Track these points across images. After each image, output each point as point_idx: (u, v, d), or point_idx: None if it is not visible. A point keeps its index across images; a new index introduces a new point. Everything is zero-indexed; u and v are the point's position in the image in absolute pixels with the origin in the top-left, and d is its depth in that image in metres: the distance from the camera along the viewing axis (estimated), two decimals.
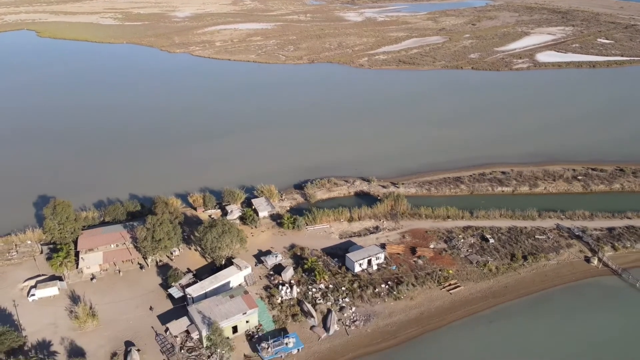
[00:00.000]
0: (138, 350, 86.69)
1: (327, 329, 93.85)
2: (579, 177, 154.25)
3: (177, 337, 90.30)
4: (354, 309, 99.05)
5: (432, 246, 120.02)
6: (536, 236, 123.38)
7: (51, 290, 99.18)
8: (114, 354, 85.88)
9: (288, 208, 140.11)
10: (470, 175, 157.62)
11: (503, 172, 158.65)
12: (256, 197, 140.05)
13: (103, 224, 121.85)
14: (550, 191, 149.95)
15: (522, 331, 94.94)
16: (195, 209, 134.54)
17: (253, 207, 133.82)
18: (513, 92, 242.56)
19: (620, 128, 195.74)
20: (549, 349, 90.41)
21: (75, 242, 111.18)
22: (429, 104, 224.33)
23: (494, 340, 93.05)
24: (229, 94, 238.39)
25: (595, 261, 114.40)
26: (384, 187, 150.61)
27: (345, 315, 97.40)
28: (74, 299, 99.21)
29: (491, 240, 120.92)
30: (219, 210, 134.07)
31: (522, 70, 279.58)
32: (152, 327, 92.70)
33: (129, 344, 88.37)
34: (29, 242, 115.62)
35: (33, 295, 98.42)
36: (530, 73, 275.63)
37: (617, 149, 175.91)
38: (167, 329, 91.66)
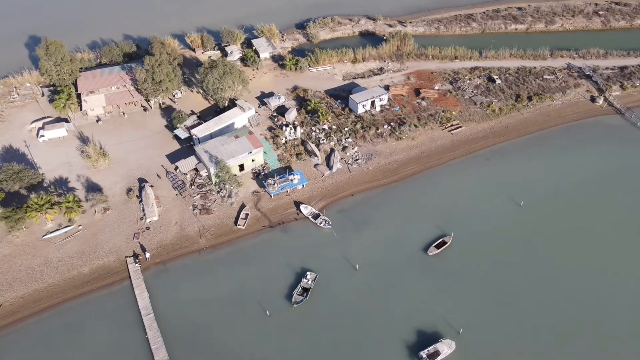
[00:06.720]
0: (151, 186, 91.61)
1: (330, 167, 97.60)
2: (600, 12, 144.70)
3: (186, 174, 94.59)
4: (356, 148, 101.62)
5: (436, 87, 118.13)
6: (544, 76, 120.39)
7: (59, 132, 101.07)
8: (129, 190, 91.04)
9: (290, 49, 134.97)
10: (484, 12, 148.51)
11: (519, 8, 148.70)
12: (256, 37, 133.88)
13: (100, 65, 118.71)
14: (567, 28, 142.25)
15: (517, 167, 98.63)
16: (193, 50, 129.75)
17: (253, 47, 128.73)
18: None
19: None
20: (541, 182, 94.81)
21: (75, 84, 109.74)
22: None
23: (489, 175, 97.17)
24: None
25: (600, 101, 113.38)
26: (390, 26, 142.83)
27: (347, 154, 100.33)
28: (83, 139, 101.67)
29: (498, 81, 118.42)
30: (219, 52, 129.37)
31: None
32: (162, 166, 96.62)
33: (142, 181, 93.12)
34: (28, 84, 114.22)
35: (42, 136, 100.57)
36: None
37: None
38: (176, 167, 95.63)
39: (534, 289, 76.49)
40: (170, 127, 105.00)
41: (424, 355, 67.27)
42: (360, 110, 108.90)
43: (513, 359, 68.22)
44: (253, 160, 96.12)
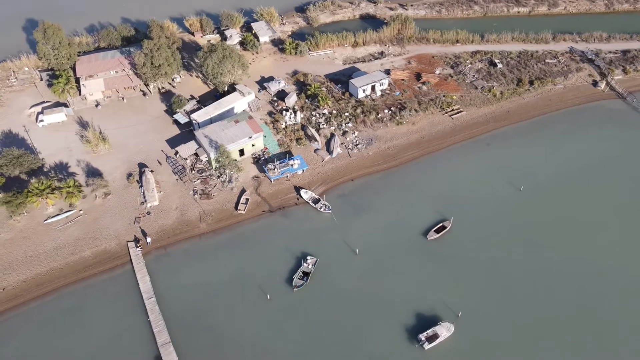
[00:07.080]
0: (152, 171, 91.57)
1: (330, 152, 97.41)
2: None
3: (186, 159, 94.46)
4: (356, 133, 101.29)
5: (437, 72, 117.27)
6: (546, 60, 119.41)
7: (59, 116, 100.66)
8: (130, 174, 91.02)
9: (290, 33, 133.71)
10: None
11: None
12: (256, 20, 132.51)
13: (98, 49, 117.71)
14: (571, 11, 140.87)
15: (518, 152, 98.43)
16: (192, 33, 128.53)
17: (253, 31, 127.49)
18: None
19: None
20: (542, 167, 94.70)
21: (74, 69, 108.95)
22: None
23: (489, 160, 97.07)
24: None
25: (602, 85, 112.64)
26: (391, 9, 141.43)
27: (348, 139, 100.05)
28: (83, 124, 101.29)
29: (499, 65, 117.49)
30: (218, 35, 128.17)
31: None
32: (162, 151, 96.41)
33: (142, 166, 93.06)
34: (26, 68, 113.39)
35: (42, 121, 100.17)
36: None
37: None
38: (176, 152, 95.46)
39: (533, 274, 76.94)
40: (170, 111, 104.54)
41: (423, 338, 67.98)
42: (361, 95, 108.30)
43: (511, 343, 68.92)
44: (253, 145, 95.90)
